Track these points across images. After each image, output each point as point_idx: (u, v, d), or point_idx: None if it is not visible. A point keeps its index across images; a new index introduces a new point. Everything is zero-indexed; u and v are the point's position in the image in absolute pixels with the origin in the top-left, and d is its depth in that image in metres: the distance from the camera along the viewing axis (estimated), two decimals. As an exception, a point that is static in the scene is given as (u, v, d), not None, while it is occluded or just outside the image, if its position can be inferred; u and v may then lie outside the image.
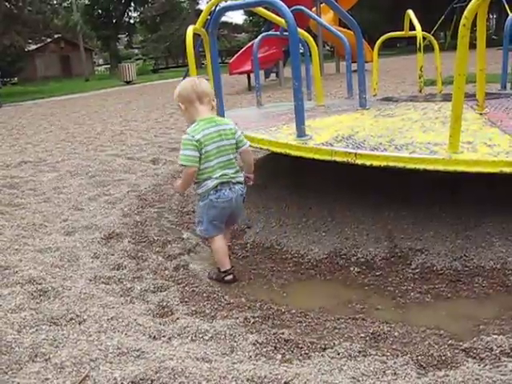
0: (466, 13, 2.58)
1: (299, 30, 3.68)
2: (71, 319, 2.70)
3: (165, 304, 2.85)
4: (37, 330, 2.61)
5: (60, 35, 40.76)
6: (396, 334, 2.42)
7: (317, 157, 3.08)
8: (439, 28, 28.20)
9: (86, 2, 56.65)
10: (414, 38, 6.18)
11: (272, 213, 3.92)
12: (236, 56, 16.78)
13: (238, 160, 3.27)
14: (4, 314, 2.80)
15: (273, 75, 19.60)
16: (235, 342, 2.41)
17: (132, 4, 58.52)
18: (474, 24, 2.72)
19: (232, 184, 3.14)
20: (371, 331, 2.44)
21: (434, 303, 2.74)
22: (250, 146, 3.34)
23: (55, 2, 34.07)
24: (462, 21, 2.58)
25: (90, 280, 3.22)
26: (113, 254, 3.65)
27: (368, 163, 2.90)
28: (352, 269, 3.15)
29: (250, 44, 17.38)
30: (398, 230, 3.34)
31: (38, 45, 39.97)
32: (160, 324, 2.63)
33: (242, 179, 3.23)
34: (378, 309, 2.73)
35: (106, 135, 9.36)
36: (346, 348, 2.28)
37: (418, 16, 6.37)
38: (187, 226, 4.17)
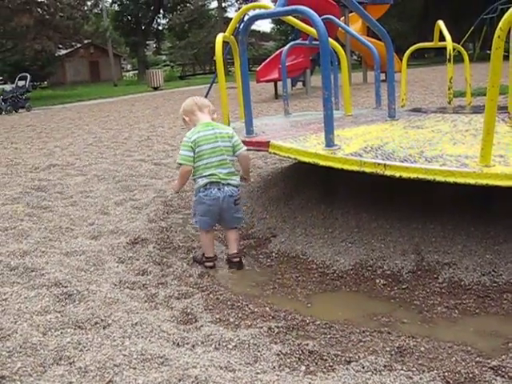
0: (500, 24, 2.54)
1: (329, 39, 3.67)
2: (96, 323, 2.71)
3: (189, 311, 2.85)
4: (62, 333, 2.63)
5: (90, 41, 41.23)
6: (422, 348, 2.38)
7: (345, 167, 3.06)
8: (467, 39, 27.95)
9: (116, 8, 57.35)
10: (442, 48, 6.12)
11: (298, 222, 3.90)
12: (263, 64, 16.81)
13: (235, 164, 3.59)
14: (30, 316, 2.82)
15: (299, 84, 19.60)
16: (259, 351, 2.40)
17: (161, 11, 59.06)
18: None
19: (222, 185, 3.44)
20: (397, 345, 2.40)
21: (461, 319, 2.69)
22: (278, 154, 3.37)
23: (86, 9, 34.43)
24: (497, 32, 2.54)
25: (115, 284, 3.23)
26: (138, 259, 3.66)
27: (397, 175, 2.86)
28: (378, 281, 3.12)
29: (277, 52, 17.41)
30: (426, 243, 3.30)
31: (68, 50, 40.53)
32: (184, 331, 2.63)
33: (234, 182, 3.50)
34: (404, 322, 2.68)
35: (133, 140, 9.44)
36: (371, 362, 2.25)
37: (447, 26, 6.31)
38: (212, 233, 4.17)
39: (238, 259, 3.54)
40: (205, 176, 3.42)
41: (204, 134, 3.42)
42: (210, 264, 3.53)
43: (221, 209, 3.47)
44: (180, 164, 3.46)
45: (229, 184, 3.46)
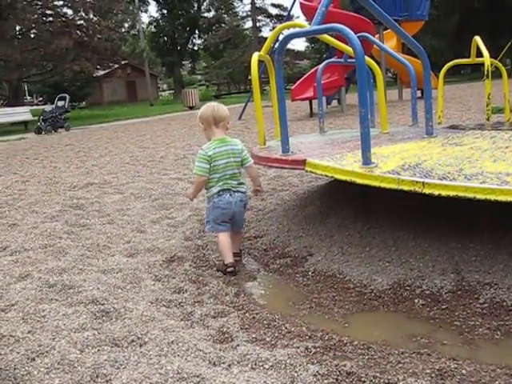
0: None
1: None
2: (132, 341, 2.72)
3: (225, 330, 2.83)
4: (99, 350, 2.65)
5: (127, 61, 42.05)
6: (464, 371, 2.31)
7: (383, 185, 3.02)
8: (505, 54, 27.57)
9: (153, 29, 58.42)
10: (479, 64, 6.05)
11: (334, 241, 3.87)
12: (298, 82, 16.85)
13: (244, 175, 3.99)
14: (68, 332, 2.85)
15: (334, 102, 19.58)
16: (296, 372, 2.36)
17: (196, 31, 59.95)
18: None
19: (232, 192, 3.82)
20: (437, 367, 2.34)
21: (504, 340, 2.60)
22: (314, 172, 3.38)
23: (123, 30, 35.15)
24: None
25: (152, 302, 3.25)
26: (174, 278, 3.67)
27: (436, 193, 2.82)
28: (416, 301, 3.05)
29: (312, 71, 17.45)
30: (466, 262, 3.23)
31: (106, 70, 41.39)
32: (220, 350, 2.61)
33: (243, 189, 3.89)
34: (444, 344, 2.62)
35: (169, 159, 9.53)
36: (411, 384, 2.20)
37: (484, 42, 6.24)
38: (248, 252, 4.16)
39: (238, 257, 3.94)
40: (218, 186, 3.80)
41: (219, 151, 3.79)
42: (231, 269, 3.69)
43: (233, 212, 3.82)
44: (197, 174, 3.84)
45: (238, 191, 3.85)
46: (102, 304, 3.21)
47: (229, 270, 3.68)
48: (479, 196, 2.70)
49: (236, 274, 3.68)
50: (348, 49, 4.69)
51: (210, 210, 3.85)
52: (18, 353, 2.63)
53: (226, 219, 3.82)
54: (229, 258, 3.72)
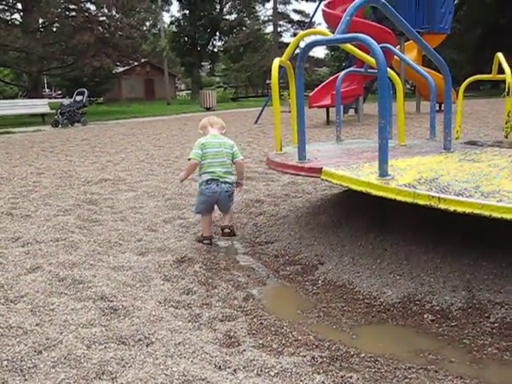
0: None
1: (387, 68, 3.64)
2: (139, 340, 2.73)
3: (232, 334, 2.83)
4: (105, 347, 2.65)
5: (146, 60, 42.17)
6: (471, 390, 2.30)
7: (398, 198, 3.00)
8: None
9: (174, 29, 58.64)
10: (499, 81, 6.01)
11: (346, 251, 3.85)
12: (316, 89, 16.82)
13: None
14: (75, 327, 2.86)
15: (351, 111, 19.53)
16: (301, 381, 2.36)
17: (217, 33, 60.08)
18: None
19: (220, 182, 4.34)
20: (444, 385, 2.33)
21: (513, 362, 2.58)
22: (330, 181, 3.38)
23: (145, 29, 35.30)
24: None
25: (160, 302, 3.25)
26: (183, 278, 3.67)
27: (452, 209, 2.80)
28: (426, 316, 3.03)
29: (330, 78, 17.42)
30: (477, 280, 3.20)
31: (125, 68, 41.61)
32: (226, 354, 2.61)
33: (230, 180, 4.41)
34: (452, 361, 2.59)
35: (183, 159, 9.54)
36: (416, 400, 2.18)
37: (506, 59, 6.20)
38: (259, 257, 4.15)
39: (228, 230, 4.57)
40: (208, 173, 4.34)
41: (211, 141, 4.44)
42: (208, 241, 4.42)
43: (217, 200, 4.40)
44: (189, 159, 4.43)
45: (226, 182, 4.37)
46: (111, 301, 3.22)
47: (205, 241, 4.41)
48: (495, 214, 2.68)
49: (211, 244, 4.40)
50: (369, 59, 4.68)
51: (198, 195, 4.48)
52: (26, 345, 2.64)
53: (209, 205, 4.43)
54: (206, 233, 4.46)
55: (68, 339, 2.71)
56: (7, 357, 2.52)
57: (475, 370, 2.51)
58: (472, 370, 2.52)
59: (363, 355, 2.61)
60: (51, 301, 3.21)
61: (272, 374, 2.42)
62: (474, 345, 2.74)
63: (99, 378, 2.38)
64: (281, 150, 4.73)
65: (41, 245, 4.39)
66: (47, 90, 54.84)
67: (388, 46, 5.38)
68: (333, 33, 3.97)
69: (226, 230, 4.55)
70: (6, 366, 2.45)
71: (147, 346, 2.68)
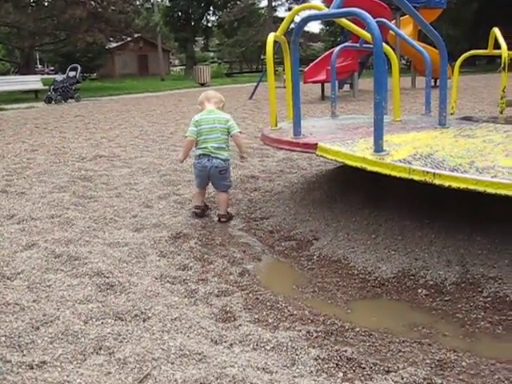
0: None
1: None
2: (136, 316, 2.75)
3: (228, 309, 2.85)
4: (102, 323, 2.67)
5: (140, 35, 41.75)
6: (464, 363, 2.32)
7: (393, 174, 3.01)
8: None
9: (167, 3, 57.97)
10: (495, 56, 5.99)
11: (341, 226, 3.87)
12: (311, 65, 16.74)
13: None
14: (72, 303, 2.88)
15: (346, 86, 19.46)
16: (297, 355, 2.38)
17: (211, 8, 59.44)
18: None
19: (211, 157, 4.37)
20: (437, 358, 2.36)
21: (505, 335, 2.61)
22: (325, 157, 3.37)
23: (138, 3, 34.93)
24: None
25: (156, 278, 3.27)
26: (179, 254, 3.69)
27: (446, 184, 2.81)
28: (420, 291, 3.06)
29: (325, 54, 17.32)
30: (471, 255, 3.22)
31: (119, 43, 41.21)
32: (222, 329, 2.63)
33: (222, 157, 4.40)
34: (446, 335, 2.63)
35: (178, 135, 9.51)
36: (410, 373, 2.21)
37: (501, 33, 6.17)
38: (254, 233, 4.16)
39: (224, 219, 4.46)
40: (200, 148, 4.41)
41: (205, 117, 4.44)
42: (197, 210, 4.55)
43: (208, 175, 4.43)
44: (185, 136, 4.52)
45: (217, 157, 4.37)
46: (107, 277, 3.23)
47: (195, 210, 4.55)
48: (490, 190, 2.69)
49: (200, 216, 4.52)
50: (365, 34, 4.65)
51: (193, 169, 4.62)
52: (23, 321, 2.66)
53: (201, 180, 4.52)
54: (197, 202, 4.59)
55: (65, 315, 2.72)
56: (5, 333, 2.54)
57: (468, 344, 2.54)
58: (465, 343, 2.55)
59: (358, 329, 2.64)
60: (47, 277, 3.22)
61: (268, 348, 2.44)
62: (467, 319, 2.77)
63: (96, 353, 2.40)
64: (276, 125, 4.72)
65: (36, 222, 4.39)
66: (40, 66, 54.27)
67: (383, 20, 5.34)
68: (328, 7, 3.94)
69: (222, 219, 4.47)
70: (4, 342, 2.46)
71: (144, 321, 2.70)
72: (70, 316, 2.72)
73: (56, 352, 2.39)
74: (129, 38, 39.06)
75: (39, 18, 28.02)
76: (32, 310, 2.79)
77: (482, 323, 2.72)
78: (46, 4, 29.79)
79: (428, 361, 2.34)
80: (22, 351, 2.41)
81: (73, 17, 26.43)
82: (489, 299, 2.91)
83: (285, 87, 5.21)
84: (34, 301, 2.91)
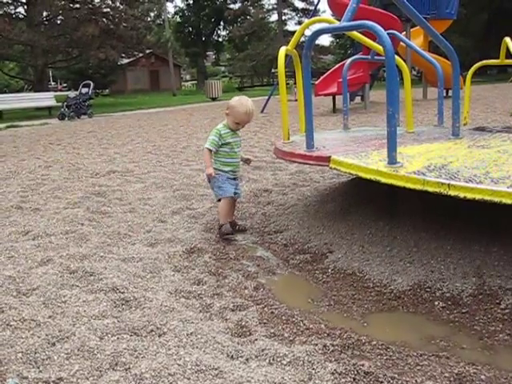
0: None
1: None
2: (151, 331, 2.74)
3: (243, 324, 2.84)
4: (118, 338, 2.67)
5: (151, 51, 42.15)
6: (483, 377, 2.29)
7: (408, 185, 2.99)
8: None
9: (178, 19, 58.51)
10: (506, 66, 5.98)
11: (355, 239, 3.85)
12: (322, 78, 16.78)
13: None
14: (88, 319, 2.88)
15: (357, 98, 19.47)
16: (313, 369, 2.36)
17: (221, 23, 59.93)
18: None
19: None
20: (456, 372, 2.33)
21: (524, 347, 2.58)
22: (339, 170, 3.40)
23: (149, 20, 35.31)
24: None
25: (171, 293, 3.26)
26: (193, 269, 3.68)
27: (462, 195, 2.79)
28: (437, 303, 3.03)
29: (336, 66, 17.35)
30: (488, 267, 3.19)
31: (130, 59, 41.57)
32: (238, 344, 2.62)
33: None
34: (464, 348, 2.59)
35: (191, 149, 9.56)
36: (429, 387, 2.19)
37: (512, 43, 6.16)
38: (268, 246, 4.15)
39: (218, 232, 4.37)
40: None
41: None
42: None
43: None
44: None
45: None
46: (122, 292, 3.23)
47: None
48: (506, 200, 2.67)
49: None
50: (376, 46, 4.66)
51: None
52: (39, 337, 2.66)
53: None
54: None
55: (81, 331, 2.73)
56: (21, 349, 2.54)
57: (487, 356, 2.51)
58: (484, 356, 2.51)
59: (375, 343, 2.61)
60: (63, 293, 3.23)
61: (284, 362, 2.42)
62: (485, 331, 2.73)
63: (113, 368, 2.39)
64: (288, 138, 4.72)
65: (51, 237, 4.42)
66: (53, 83, 54.93)
67: (394, 32, 5.35)
68: (338, 20, 3.95)
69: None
70: (21, 358, 2.47)
71: (159, 336, 2.69)
72: (86, 332, 2.72)
73: (72, 368, 2.39)
74: (140, 54, 39.47)
75: (52, 36, 28.40)
76: (48, 325, 2.80)
77: (501, 335, 2.68)
78: (59, 22, 30.20)
79: (447, 374, 2.31)
80: (39, 367, 2.41)
81: (85, 34, 26.78)
82: (507, 311, 2.87)
83: (296, 100, 5.22)
84: (49, 317, 2.92)
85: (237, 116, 4.30)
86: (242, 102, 4.32)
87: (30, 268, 3.72)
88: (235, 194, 4.49)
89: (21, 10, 30.35)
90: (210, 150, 4.35)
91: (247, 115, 4.30)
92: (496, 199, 2.69)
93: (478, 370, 2.34)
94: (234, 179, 4.50)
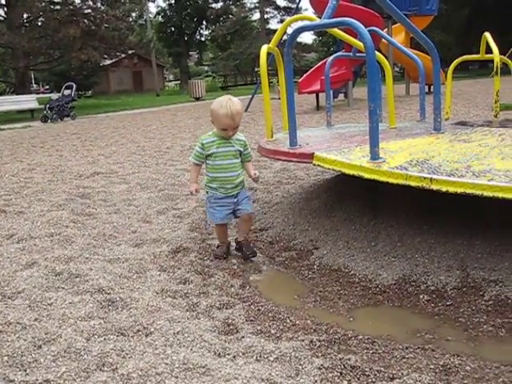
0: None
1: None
2: (138, 331, 2.74)
3: (230, 321, 2.85)
4: (105, 339, 2.66)
5: (134, 51, 41.98)
6: (468, 368, 2.32)
7: (390, 180, 3.02)
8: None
9: (160, 19, 58.31)
10: (487, 61, 6.03)
11: (340, 235, 3.87)
12: (305, 75, 16.80)
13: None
14: (74, 321, 2.87)
15: (341, 96, 19.53)
16: (300, 365, 2.38)
17: (204, 22, 59.81)
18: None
19: None
20: (441, 363, 2.35)
21: (508, 338, 2.60)
22: (322, 166, 3.41)
23: (131, 20, 35.14)
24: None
25: (157, 293, 3.26)
26: (179, 268, 3.68)
27: (444, 189, 2.82)
28: (421, 297, 3.06)
29: (319, 64, 17.39)
30: (471, 259, 3.23)
31: (113, 60, 41.41)
32: (225, 341, 2.62)
33: None
34: (449, 340, 2.62)
35: (175, 150, 9.54)
36: (414, 379, 2.21)
37: (493, 38, 6.22)
38: (254, 244, 4.16)
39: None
40: None
41: None
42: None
43: None
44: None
45: None
46: (108, 293, 3.23)
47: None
48: (487, 193, 2.70)
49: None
50: (357, 43, 4.69)
51: None
52: (25, 340, 2.65)
53: None
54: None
55: (67, 333, 2.72)
56: (7, 352, 2.53)
57: (472, 348, 2.54)
58: (468, 347, 2.54)
59: (361, 337, 2.63)
60: (49, 295, 3.22)
61: (271, 359, 2.44)
62: (470, 323, 2.76)
63: (100, 369, 2.39)
64: (272, 136, 4.73)
65: (35, 240, 4.39)
66: (35, 86, 54.45)
67: (375, 29, 5.37)
68: (319, 18, 3.97)
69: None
70: (7, 362, 2.46)
71: (146, 336, 2.69)
72: (72, 333, 2.71)
73: (59, 370, 2.38)
74: (123, 55, 39.24)
75: (33, 38, 28.17)
76: (34, 328, 2.79)
77: (485, 327, 2.71)
78: (40, 24, 29.96)
79: (432, 366, 2.34)
80: (25, 370, 2.40)
81: (66, 35, 26.61)
82: (490, 302, 2.91)
83: (279, 98, 5.23)
84: (35, 319, 2.90)
85: (219, 121, 3.66)
86: (221, 103, 3.63)
87: (14, 271, 3.70)
88: (236, 212, 3.85)
89: (0, 12, 30.09)
90: (196, 164, 3.92)
91: (230, 118, 3.60)
92: (477, 192, 2.72)
93: (462, 362, 2.36)
94: (231, 197, 3.81)
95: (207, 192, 3.90)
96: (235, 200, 3.81)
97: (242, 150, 3.81)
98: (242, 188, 3.86)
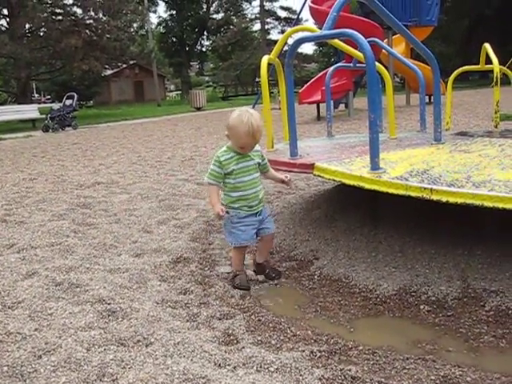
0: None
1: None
2: (138, 341, 2.73)
3: (230, 332, 2.84)
4: (105, 349, 2.66)
5: (135, 62, 42.14)
6: (468, 379, 2.31)
7: (391, 191, 3.02)
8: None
9: (161, 30, 58.59)
10: (487, 71, 6.07)
11: (341, 245, 3.87)
12: (306, 86, 16.88)
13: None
14: (74, 331, 2.87)
15: (341, 106, 19.59)
16: (301, 375, 2.37)
17: (205, 33, 60.09)
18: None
19: None
20: (442, 374, 2.35)
21: (509, 349, 2.60)
22: (322, 177, 3.40)
23: (132, 30, 35.30)
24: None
25: (158, 303, 3.26)
26: (180, 279, 3.68)
27: (444, 199, 2.82)
28: (422, 307, 3.05)
29: (320, 74, 17.47)
30: (472, 270, 3.23)
31: (114, 70, 41.54)
32: (225, 352, 2.62)
33: None
34: (450, 351, 2.61)
35: (176, 160, 9.56)
36: (415, 390, 2.20)
37: (493, 49, 6.25)
38: (255, 254, 4.15)
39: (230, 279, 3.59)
40: None
41: None
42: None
43: None
44: None
45: None
46: (109, 303, 3.22)
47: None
48: (487, 204, 2.70)
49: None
50: (357, 53, 4.70)
51: None
52: (25, 350, 2.64)
53: None
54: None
55: (67, 343, 2.71)
56: (7, 362, 2.53)
57: (472, 358, 2.53)
58: (469, 358, 2.54)
59: (361, 348, 2.63)
60: (49, 305, 3.21)
61: (272, 369, 2.43)
62: (471, 333, 2.75)
63: (100, 380, 2.39)
64: (272, 147, 4.75)
65: (36, 250, 4.39)
66: (36, 95, 54.66)
67: (375, 40, 5.40)
68: (320, 29, 3.99)
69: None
70: (7, 372, 2.45)
71: (146, 346, 2.68)
72: (73, 344, 2.71)
73: (59, 380, 2.38)
74: (124, 65, 39.43)
75: (35, 48, 28.33)
76: (34, 338, 2.78)
77: (486, 337, 2.71)
78: (42, 34, 30.10)
79: (433, 377, 2.33)
80: (25, 380, 2.40)
81: (68, 46, 26.74)
82: (491, 313, 2.90)
83: (280, 109, 5.25)
84: (35, 329, 2.90)
85: (238, 139, 3.31)
86: (241, 118, 3.25)
87: (15, 281, 3.69)
88: (259, 234, 3.56)
89: (3, 22, 30.27)
90: (213, 184, 3.44)
91: (251, 136, 3.26)
92: (478, 202, 2.73)
93: (463, 372, 2.36)
94: (255, 214, 3.49)
95: (227, 212, 3.43)
96: (260, 217, 3.51)
97: (260, 161, 3.53)
98: (263, 204, 3.57)
